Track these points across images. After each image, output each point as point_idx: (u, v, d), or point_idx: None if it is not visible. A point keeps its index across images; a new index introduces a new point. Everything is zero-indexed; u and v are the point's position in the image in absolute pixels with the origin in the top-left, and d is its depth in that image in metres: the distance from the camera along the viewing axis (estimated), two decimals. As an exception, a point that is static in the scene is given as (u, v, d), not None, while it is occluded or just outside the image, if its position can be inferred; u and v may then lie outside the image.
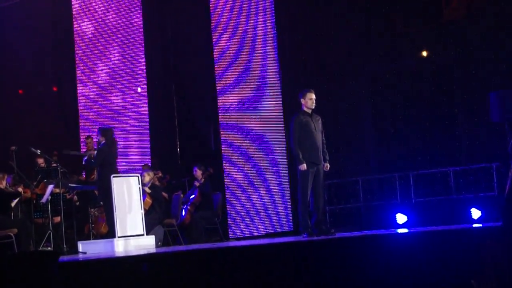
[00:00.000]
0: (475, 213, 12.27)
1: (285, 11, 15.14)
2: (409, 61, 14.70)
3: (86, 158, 11.25)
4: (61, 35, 15.07)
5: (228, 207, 14.21)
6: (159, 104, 15.17)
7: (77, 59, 14.83)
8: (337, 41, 15.06)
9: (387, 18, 14.79)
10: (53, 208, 11.05)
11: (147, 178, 12.25)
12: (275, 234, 14.21)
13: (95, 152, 10.90)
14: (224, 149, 14.43)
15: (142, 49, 14.89)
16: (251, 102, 14.83)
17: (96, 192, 11.54)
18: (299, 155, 9.64)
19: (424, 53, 14.64)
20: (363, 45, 14.92)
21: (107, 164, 10.67)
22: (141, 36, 14.90)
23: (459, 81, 14.13)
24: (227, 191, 14.27)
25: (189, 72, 15.08)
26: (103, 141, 10.75)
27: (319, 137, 9.79)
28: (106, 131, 10.93)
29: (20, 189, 11.20)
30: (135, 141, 14.95)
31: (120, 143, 13.22)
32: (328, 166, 9.84)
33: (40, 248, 10.62)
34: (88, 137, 13.32)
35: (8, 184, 11.17)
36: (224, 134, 14.48)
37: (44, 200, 11.03)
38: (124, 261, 7.07)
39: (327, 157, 9.86)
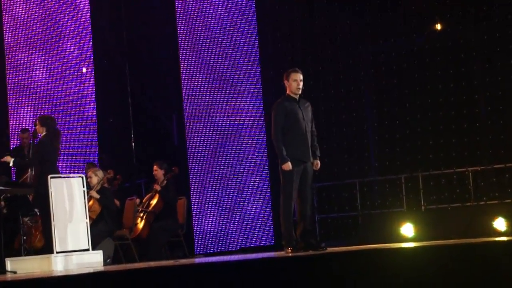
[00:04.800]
0: (500, 224, 12.32)
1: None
2: (418, 37, 14.70)
3: (14, 160, 11.11)
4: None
5: (194, 216, 14.19)
6: (109, 88, 15.10)
7: (6, 35, 14.72)
8: (330, 15, 15.03)
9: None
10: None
11: (94, 180, 12.23)
12: (252, 249, 14.26)
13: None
14: (190, 144, 14.41)
15: (88, 18, 14.81)
16: (223, 86, 14.80)
17: (30, 197, 11.46)
18: (283, 152, 9.52)
19: (438, 27, 14.65)
20: (360, 19, 14.90)
21: (46, 161, 10.63)
22: (87, 2, 14.82)
23: (480, 62, 14.14)
24: (193, 196, 14.26)
25: (147, 48, 15.03)
26: (44, 132, 10.71)
27: (308, 128, 9.69)
28: (47, 120, 10.90)
29: None
30: (78, 133, 14.88)
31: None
32: (319, 164, 9.77)
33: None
34: (25, 130, 13.26)
35: None
36: (190, 126, 14.44)
37: (-38, 207, 10.95)
38: (64, 282, 6.88)
39: (318, 153, 9.78)
